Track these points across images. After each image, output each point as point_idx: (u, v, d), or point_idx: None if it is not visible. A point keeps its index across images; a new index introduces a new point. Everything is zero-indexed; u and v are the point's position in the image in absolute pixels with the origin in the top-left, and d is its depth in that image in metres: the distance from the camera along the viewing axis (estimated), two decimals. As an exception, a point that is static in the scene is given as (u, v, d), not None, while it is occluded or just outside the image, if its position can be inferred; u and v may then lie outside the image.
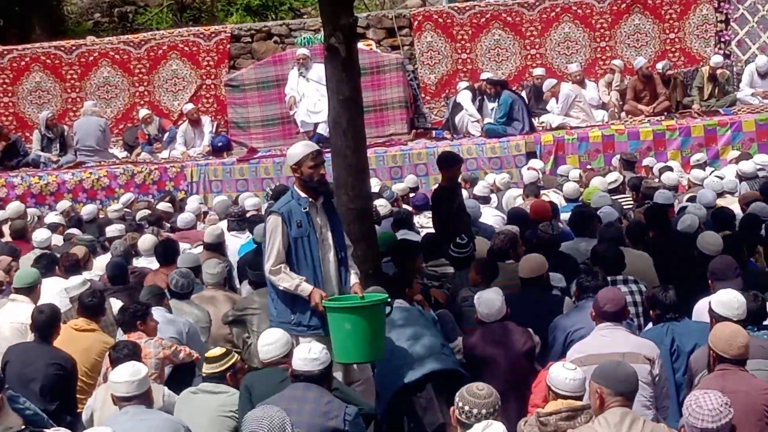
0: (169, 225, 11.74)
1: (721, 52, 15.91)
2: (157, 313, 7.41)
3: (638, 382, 5.30)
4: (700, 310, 6.93)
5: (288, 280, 6.41)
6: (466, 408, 4.83)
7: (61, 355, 6.96)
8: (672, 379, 6.38)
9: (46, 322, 7.02)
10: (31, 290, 7.94)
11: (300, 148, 6.65)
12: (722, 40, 16.12)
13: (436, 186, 10.05)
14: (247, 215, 11.14)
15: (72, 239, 10.71)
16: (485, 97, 15.00)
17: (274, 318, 6.59)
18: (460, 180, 10.39)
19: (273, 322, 6.57)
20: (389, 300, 6.62)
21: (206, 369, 6.27)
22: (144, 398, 5.69)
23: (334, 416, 5.50)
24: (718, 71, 15.25)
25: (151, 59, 16.57)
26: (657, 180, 12.11)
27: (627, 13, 16.29)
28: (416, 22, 16.49)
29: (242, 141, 15.64)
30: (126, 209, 12.81)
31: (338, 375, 6.39)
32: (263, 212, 11.66)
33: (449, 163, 9.59)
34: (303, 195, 6.52)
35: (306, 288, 6.38)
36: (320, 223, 6.56)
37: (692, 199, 10.53)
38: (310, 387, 5.61)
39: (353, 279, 6.63)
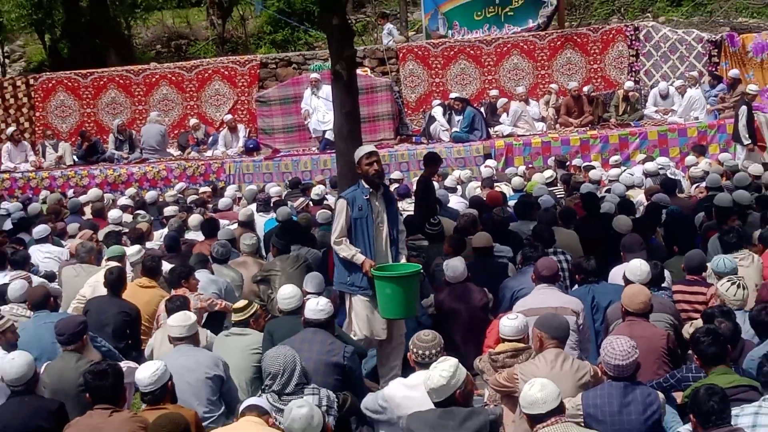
0: (212, 207, 11.70)
1: (633, 78, 15.88)
2: (202, 274, 7.39)
3: (569, 330, 5.31)
4: (615, 275, 6.95)
5: (347, 251, 6.27)
6: (420, 352, 4.88)
7: (128, 305, 6.94)
8: (592, 327, 6.39)
9: (116, 280, 7.01)
10: (120, 259, 7.91)
11: (359, 151, 6.50)
12: (633, 69, 16.08)
13: (420, 176, 9.99)
14: (272, 200, 11.08)
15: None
16: (453, 111, 14.93)
17: (335, 279, 6.49)
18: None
19: (334, 282, 6.50)
20: (422, 271, 6.55)
21: (234, 317, 6.25)
22: (193, 339, 5.69)
23: (336, 354, 5.49)
24: (630, 93, 15.22)
25: (199, 80, 16.45)
26: (583, 176, 12.09)
27: (561, 48, 16.24)
28: (401, 54, 16.37)
29: (268, 144, 15.57)
30: (179, 195, 12.75)
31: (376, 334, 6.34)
32: (283, 197, 11.69)
33: (433, 161, 9.64)
34: (366, 186, 6.36)
35: (360, 257, 6.24)
36: (378, 208, 6.37)
37: (608, 191, 10.52)
38: (318, 331, 5.59)
39: (402, 258, 6.50)
